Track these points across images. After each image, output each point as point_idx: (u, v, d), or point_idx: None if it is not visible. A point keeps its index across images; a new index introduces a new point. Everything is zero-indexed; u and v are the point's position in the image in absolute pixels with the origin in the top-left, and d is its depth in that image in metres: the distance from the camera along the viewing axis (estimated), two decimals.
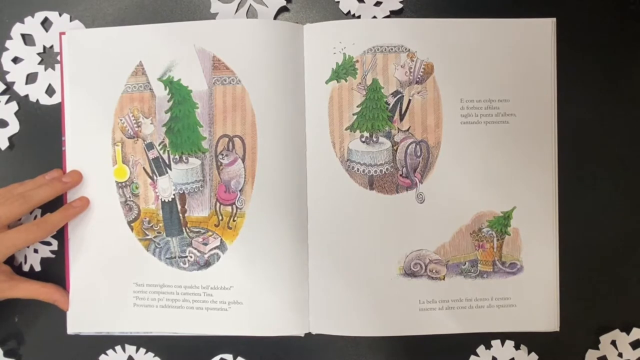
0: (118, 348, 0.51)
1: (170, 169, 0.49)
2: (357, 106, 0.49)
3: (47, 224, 0.48)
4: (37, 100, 0.51)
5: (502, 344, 0.50)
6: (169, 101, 0.49)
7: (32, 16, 0.51)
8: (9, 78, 0.51)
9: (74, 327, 0.50)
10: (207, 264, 0.49)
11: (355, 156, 0.49)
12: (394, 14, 0.50)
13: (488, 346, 0.50)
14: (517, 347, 0.50)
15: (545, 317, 0.49)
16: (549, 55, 0.49)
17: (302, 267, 0.49)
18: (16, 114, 0.51)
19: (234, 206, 0.49)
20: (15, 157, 0.52)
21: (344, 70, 0.48)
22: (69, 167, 0.50)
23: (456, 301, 0.49)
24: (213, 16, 0.50)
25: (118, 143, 0.50)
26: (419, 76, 0.49)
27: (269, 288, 0.48)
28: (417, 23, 0.49)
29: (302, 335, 0.49)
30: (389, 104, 0.49)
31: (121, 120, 0.50)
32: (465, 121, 0.48)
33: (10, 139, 0.51)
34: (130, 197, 0.50)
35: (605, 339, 0.50)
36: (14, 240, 0.46)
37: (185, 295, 0.49)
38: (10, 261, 0.51)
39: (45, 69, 0.51)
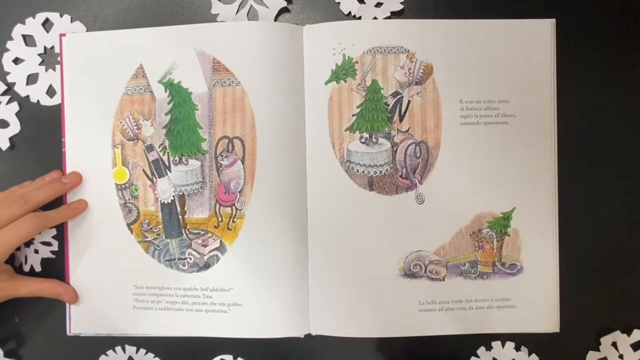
0: (118, 349, 0.51)
1: (170, 171, 0.49)
2: (357, 107, 0.49)
3: (43, 216, 0.47)
4: (38, 101, 0.51)
5: (503, 345, 0.50)
6: (169, 103, 0.49)
7: (33, 17, 0.51)
8: (9, 79, 0.51)
9: (74, 328, 0.50)
10: (207, 266, 0.49)
11: (354, 157, 0.49)
12: (394, 15, 0.50)
13: (488, 347, 0.50)
14: (517, 349, 0.50)
15: (545, 318, 0.49)
16: (548, 56, 0.48)
17: (302, 269, 0.49)
18: (17, 114, 0.51)
19: (233, 207, 0.49)
20: (16, 157, 0.52)
21: (343, 71, 0.48)
22: (69, 168, 0.50)
23: (456, 302, 0.49)
24: (214, 17, 0.50)
25: (118, 145, 0.50)
26: (419, 77, 0.48)
27: (268, 289, 0.48)
28: (416, 24, 0.48)
29: (302, 336, 0.49)
30: (388, 105, 0.49)
31: (121, 122, 0.50)
32: (464, 122, 0.48)
33: (11, 139, 0.52)
34: (129, 199, 0.50)
35: (605, 341, 0.50)
36: (13, 234, 0.45)
37: (185, 298, 0.49)
38: (11, 262, 0.51)
39: (46, 70, 0.51)
